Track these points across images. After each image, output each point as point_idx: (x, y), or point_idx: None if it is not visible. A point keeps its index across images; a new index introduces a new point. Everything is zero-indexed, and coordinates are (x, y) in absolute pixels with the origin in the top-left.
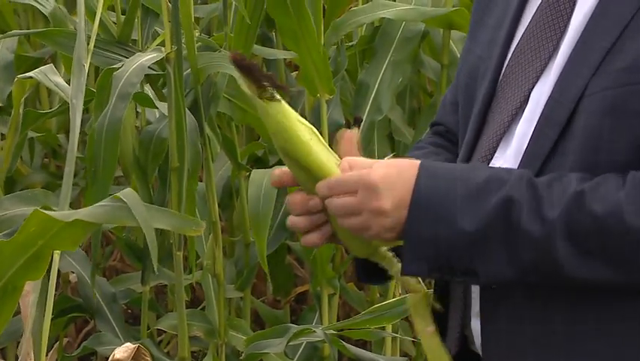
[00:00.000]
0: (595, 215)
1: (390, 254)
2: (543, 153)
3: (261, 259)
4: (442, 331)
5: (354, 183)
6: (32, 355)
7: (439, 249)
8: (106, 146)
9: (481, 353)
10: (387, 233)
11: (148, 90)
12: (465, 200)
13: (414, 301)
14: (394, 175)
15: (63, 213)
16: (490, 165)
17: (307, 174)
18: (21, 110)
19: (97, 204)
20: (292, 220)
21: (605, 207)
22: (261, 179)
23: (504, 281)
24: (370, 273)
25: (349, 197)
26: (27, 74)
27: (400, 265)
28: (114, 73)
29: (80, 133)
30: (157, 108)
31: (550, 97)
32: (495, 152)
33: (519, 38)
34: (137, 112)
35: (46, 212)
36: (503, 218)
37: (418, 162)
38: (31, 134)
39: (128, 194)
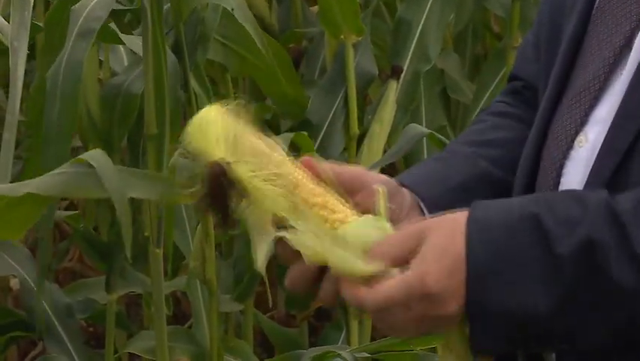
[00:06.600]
0: None
1: None
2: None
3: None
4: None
5: (407, 299)
6: None
7: (513, 322)
8: (62, 99)
9: None
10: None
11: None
12: (533, 259)
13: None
14: (448, 266)
15: (9, 187)
16: (581, 134)
17: None
18: None
19: (53, 172)
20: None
21: None
22: None
23: (600, 346)
24: None
25: (402, 312)
26: None
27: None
28: (72, 7)
29: (24, 87)
30: (124, 43)
31: None
32: (589, 115)
33: None
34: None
35: None
36: (585, 269)
37: (463, 223)
38: None
39: (95, 155)
